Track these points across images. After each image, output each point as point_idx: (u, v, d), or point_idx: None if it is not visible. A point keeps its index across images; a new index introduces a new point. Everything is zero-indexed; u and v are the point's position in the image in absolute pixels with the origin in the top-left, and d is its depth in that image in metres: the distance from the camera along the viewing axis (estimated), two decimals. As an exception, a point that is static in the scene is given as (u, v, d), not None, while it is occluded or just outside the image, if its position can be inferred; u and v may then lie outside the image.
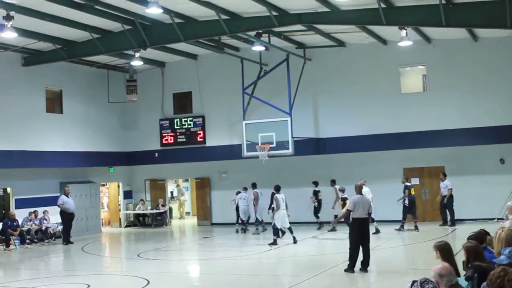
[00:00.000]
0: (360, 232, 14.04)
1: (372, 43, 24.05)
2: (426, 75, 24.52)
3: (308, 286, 13.17)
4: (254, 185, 23.99)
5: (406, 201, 22.03)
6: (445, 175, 23.00)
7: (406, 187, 22.22)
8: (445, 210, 22.95)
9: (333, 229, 22.46)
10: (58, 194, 24.11)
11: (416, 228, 21.74)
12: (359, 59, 24.93)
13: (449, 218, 22.82)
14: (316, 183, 23.97)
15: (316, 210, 23.96)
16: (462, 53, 23.49)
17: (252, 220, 23.96)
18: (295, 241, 19.40)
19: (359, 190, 14.70)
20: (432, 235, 18.81)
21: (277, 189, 19.99)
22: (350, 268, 13.87)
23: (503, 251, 7.17)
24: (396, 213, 22.64)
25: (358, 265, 14.00)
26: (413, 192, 22.43)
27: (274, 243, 19.45)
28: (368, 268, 13.95)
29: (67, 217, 23.10)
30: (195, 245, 21.86)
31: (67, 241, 22.74)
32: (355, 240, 14.01)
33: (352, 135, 24.62)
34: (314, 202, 24.01)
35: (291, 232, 19.56)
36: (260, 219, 23.49)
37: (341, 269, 14.62)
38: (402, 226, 22.02)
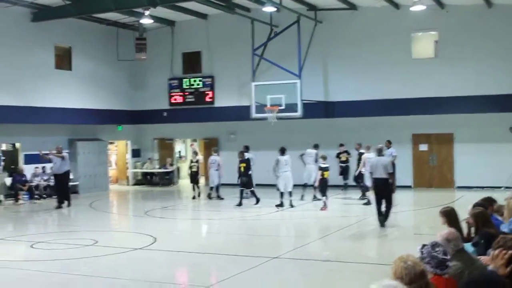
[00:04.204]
0: (377, 190, 15.13)
1: (384, 6, 23.77)
2: (438, 41, 24.23)
3: (312, 248, 13.28)
4: (246, 148, 22.40)
5: (363, 169, 19.99)
6: (390, 142, 22.23)
7: (362, 153, 21.09)
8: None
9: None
10: (68, 151, 24.05)
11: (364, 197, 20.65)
12: (370, 23, 24.65)
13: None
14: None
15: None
16: (475, 19, 23.13)
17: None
18: (290, 205, 19.43)
19: (378, 152, 15.65)
20: (438, 201, 18.81)
21: (282, 151, 19.77)
22: (380, 224, 15.17)
23: None
24: (405, 179, 22.66)
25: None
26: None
27: (281, 205, 19.52)
28: (386, 224, 15.16)
29: (56, 178, 21.21)
30: (201, 205, 21.96)
31: (58, 203, 20.67)
32: (375, 199, 15.32)
33: (362, 100, 24.46)
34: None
35: (290, 195, 19.54)
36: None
37: (346, 232, 14.88)
38: (364, 197, 20.45)
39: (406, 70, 24.09)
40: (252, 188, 20.56)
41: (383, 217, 15.09)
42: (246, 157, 20.85)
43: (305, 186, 21.37)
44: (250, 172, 20.59)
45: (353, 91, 24.63)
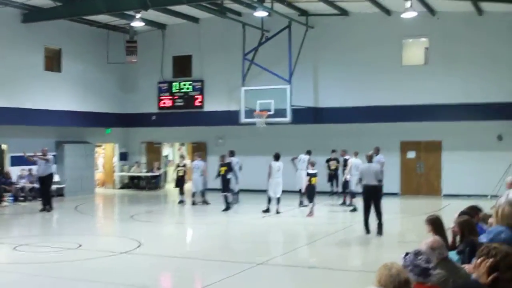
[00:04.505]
0: (367, 198, 15.03)
1: (376, 13, 23.77)
2: (428, 48, 24.26)
3: (298, 254, 13.20)
4: (233, 152, 22.02)
5: (348, 176, 20.15)
6: (378, 149, 21.39)
7: (347, 159, 21.26)
8: None
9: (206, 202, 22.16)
10: (55, 153, 23.97)
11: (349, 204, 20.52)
12: (361, 29, 24.63)
13: None
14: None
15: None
16: (465, 27, 23.13)
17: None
18: (277, 212, 19.31)
19: (369, 159, 15.68)
20: (425, 209, 18.80)
21: (275, 157, 19.78)
22: (366, 231, 15.02)
23: (490, 231, 7.09)
24: (393, 185, 22.71)
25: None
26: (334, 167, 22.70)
27: (267, 210, 19.48)
28: (383, 232, 15.00)
29: (40, 180, 20.85)
30: (187, 210, 21.84)
31: (42, 205, 20.26)
32: (364, 206, 15.15)
33: (351, 106, 24.43)
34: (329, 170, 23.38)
35: (278, 202, 19.47)
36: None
37: (332, 238, 14.88)
38: (351, 204, 20.16)
39: (395, 77, 24.10)
40: (226, 193, 20.34)
41: (378, 226, 15.02)
42: (227, 161, 20.81)
43: (300, 192, 21.09)
44: (229, 177, 20.49)
45: (343, 97, 24.62)
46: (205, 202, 22.14)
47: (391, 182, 23.29)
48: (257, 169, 23.52)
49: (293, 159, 22.11)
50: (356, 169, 19.52)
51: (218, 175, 20.76)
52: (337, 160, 23.26)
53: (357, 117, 24.43)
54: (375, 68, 24.32)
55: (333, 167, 23.15)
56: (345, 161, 21.61)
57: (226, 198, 20.31)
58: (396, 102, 23.76)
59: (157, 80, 28.19)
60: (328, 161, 23.26)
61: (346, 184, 20.98)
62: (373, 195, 15.06)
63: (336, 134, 25.06)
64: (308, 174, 18.85)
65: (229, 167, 20.64)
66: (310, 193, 18.70)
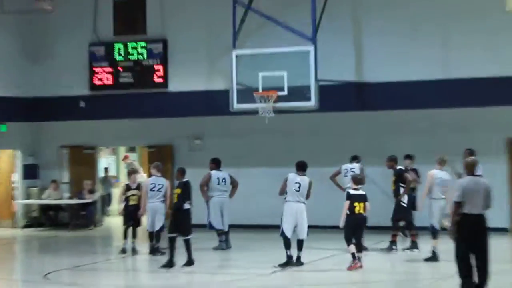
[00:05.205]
0: (469, 237, 13.40)
1: None
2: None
3: None
4: (216, 163, 22.11)
5: (405, 198, 20.81)
6: (472, 153, 20.67)
7: (401, 171, 21.13)
8: None
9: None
10: None
11: (414, 246, 20.88)
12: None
13: None
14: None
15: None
16: None
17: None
18: (297, 263, 18.50)
19: (470, 169, 13.86)
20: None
21: (298, 167, 18.82)
22: None
23: None
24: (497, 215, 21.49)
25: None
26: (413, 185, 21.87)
27: (288, 263, 18.25)
28: None
29: None
30: (139, 261, 21.32)
31: None
32: (461, 252, 13.55)
33: (419, 80, 24.36)
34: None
35: (300, 247, 18.60)
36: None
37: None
38: (394, 243, 20.76)
39: (494, 31, 23.80)
40: (189, 236, 18.91)
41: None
42: (185, 180, 19.70)
43: None
44: (187, 206, 19.14)
45: (405, 66, 24.54)
46: (154, 250, 21.03)
47: (494, 209, 21.91)
48: (261, 191, 23.96)
49: (333, 177, 21.89)
50: (440, 189, 19.11)
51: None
52: (416, 172, 22.09)
53: (429, 99, 24.29)
54: (457, 18, 24.23)
55: (412, 185, 21.95)
56: (400, 174, 20.91)
57: (187, 244, 18.79)
58: (496, 72, 23.49)
59: (88, 41, 28.14)
60: (399, 174, 21.95)
61: (406, 211, 20.89)
62: (479, 234, 13.47)
63: (395, 128, 25.26)
64: (350, 197, 17.73)
65: (185, 190, 19.33)
66: (351, 228, 17.51)
